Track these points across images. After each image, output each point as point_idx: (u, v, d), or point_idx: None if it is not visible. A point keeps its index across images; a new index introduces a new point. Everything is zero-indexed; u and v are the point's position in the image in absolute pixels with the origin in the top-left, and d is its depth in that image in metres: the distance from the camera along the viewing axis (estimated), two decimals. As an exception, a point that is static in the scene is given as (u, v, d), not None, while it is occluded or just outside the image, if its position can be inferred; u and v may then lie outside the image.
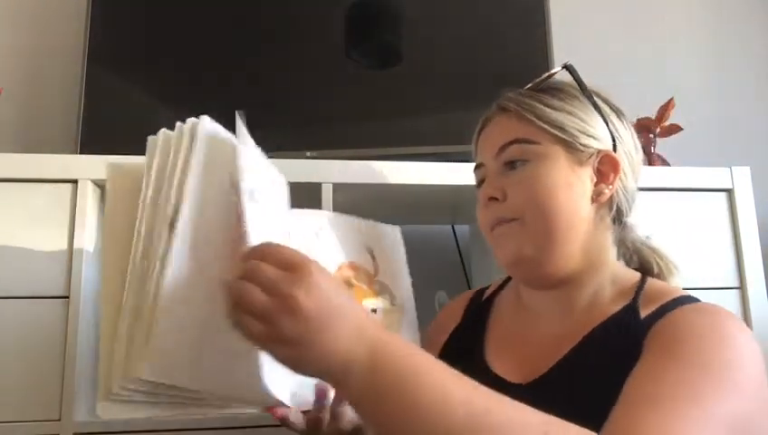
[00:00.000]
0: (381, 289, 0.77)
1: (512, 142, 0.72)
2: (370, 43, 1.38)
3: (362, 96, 1.32)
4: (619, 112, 0.76)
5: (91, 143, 1.24)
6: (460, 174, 1.07)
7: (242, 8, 1.35)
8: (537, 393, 0.64)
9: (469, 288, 1.43)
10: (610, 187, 0.72)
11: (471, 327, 0.80)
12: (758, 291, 1.11)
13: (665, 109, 1.33)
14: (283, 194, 0.72)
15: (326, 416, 0.68)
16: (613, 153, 0.72)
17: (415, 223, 1.41)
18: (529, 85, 0.77)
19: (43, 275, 0.95)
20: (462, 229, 1.48)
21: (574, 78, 0.75)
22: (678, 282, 0.75)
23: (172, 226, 0.57)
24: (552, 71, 0.77)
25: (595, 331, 0.67)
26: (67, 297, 0.94)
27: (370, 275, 0.78)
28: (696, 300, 0.66)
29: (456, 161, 1.10)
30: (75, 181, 0.98)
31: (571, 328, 0.70)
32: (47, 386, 0.92)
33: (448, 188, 1.09)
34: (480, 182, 0.77)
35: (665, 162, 1.32)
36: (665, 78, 1.63)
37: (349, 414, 0.68)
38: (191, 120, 0.62)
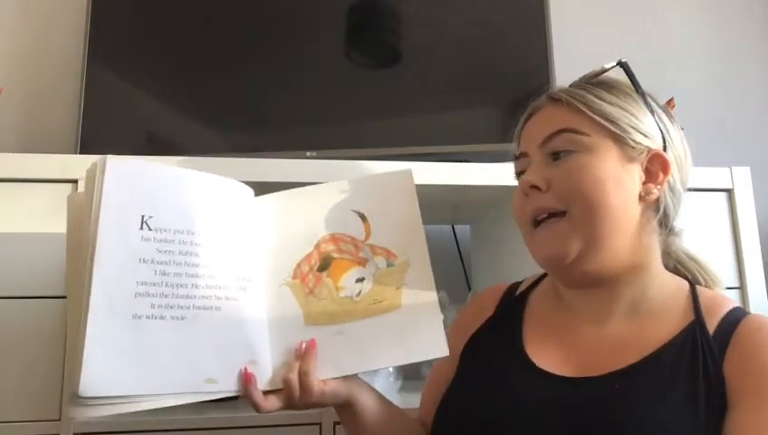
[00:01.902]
0: (372, 253, 0.76)
1: (559, 132, 0.70)
2: (370, 43, 1.39)
3: (362, 96, 1.33)
4: (669, 115, 0.75)
5: (91, 143, 1.24)
6: (460, 174, 1.07)
7: (242, 8, 1.35)
8: (597, 389, 0.66)
9: (469, 288, 1.44)
10: (659, 187, 0.70)
11: (505, 321, 0.79)
12: (758, 291, 1.11)
13: (665, 109, 1.33)
14: (224, 196, 0.75)
15: (296, 390, 0.68)
16: (664, 153, 0.70)
17: (415, 223, 1.41)
18: (579, 78, 0.75)
19: (43, 275, 0.95)
20: (462, 229, 1.48)
21: (628, 75, 0.74)
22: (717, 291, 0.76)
23: (92, 263, 0.64)
24: (606, 66, 0.75)
25: (669, 344, 0.66)
26: (67, 297, 0.94)
27: (357, 242, 0.77)
28: (745, 311, 0.68)
29: (456, 161, 1.10)
30: (75, 181, 0.98)
31: (633, 332, 0.69)
32: (47, 386, 0.92)
33: (448, 188, 1.09)
34: (520, 173, 0.74)
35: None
36: (665, 78, 1.64)
37: (318, 386, 0.69)
38: (101, 159, 0.68)
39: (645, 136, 0.70)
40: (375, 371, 1.10)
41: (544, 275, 0.83)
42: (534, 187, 0.70)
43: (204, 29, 1.35)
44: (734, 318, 0.67)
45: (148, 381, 0.63)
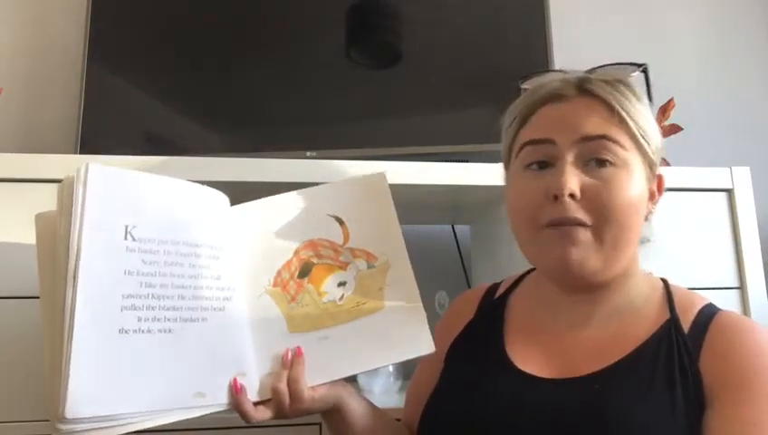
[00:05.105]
0: (352, 256, 0.76)
1: (601, 137, 0.65)
2: (370, 43, 1.39)
3: (362, 96, 1.32)
4: None
5: (91, 143, 1.24)
6: (460, 174, 1.07)
7: (242, 8, 1.35)
8: (577, 390, 0.66)
9: (469, 288, 1.43)
10: (654, 207, 0.71)
11: (487, 324, 0.79)
12: (758, 291, 1.11)
13: (665, 109, 1.33)
14: (203, 204, 0.73)
15: (285, 399, 0.68)
16: (660, 171, 0.71)
17: (415, 223, 1.41)
18: (600, 74, 0.70)
19: (43, 275, 0.95)
20: (462, 229, 1.48)
21: (647, 86, 0.71)
22: None
23: (75, 276, 0.60)
24: (630, 69, 0.71)
25: (646, 344, 0.67)
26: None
27: (336, 246, 0.77)
28: (716, 307, 0.69)
29: (456, 161, 1.10)
30: (75, 181, 0.98)
31: (613, 333, 0.69)
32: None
33: (448, 188, 1.08)
34: (540, 163, 0.68)
35: (665, 162, 1.32)
36: (665, 78, 1.63)
37: (308, 392, 0.68)
38: (82, 167, 0.65)
39: (660, 156, 0.70)
40: (375, 371, 1.11)
41: (523, 276, 0.83)
42: (570, 195, 0.64)
43: (204, 29, 1.35)
44: (707, 315, 0.67)
45: (136, 398, 0.61)
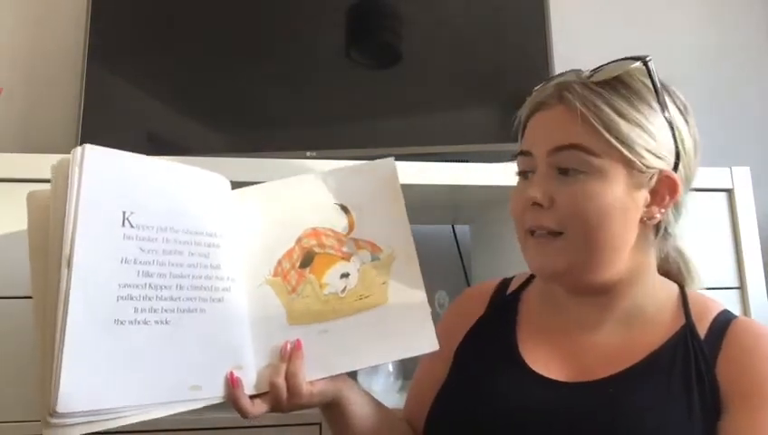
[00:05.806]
0: (356, 247, 0.74)
1: (570, 147, 0.65)
2: (370, 43, 1.38)
3: (362, 96, 1.32)
4: (685, 113, 0.70)
5: (90, 143, 1.24)
6: (460, 174, 1.07)
7: (242, 8, 1.35)
8: (591, 394, 0.66)
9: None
10: (662, 211, 0.68)
11: (498, 321, 0.78)
12: (758, 291, 1.11)
13: (665, 109, 1.33)
14: (204, 189, 0.72)
15: (283, 394, 0.67)
16: (673, 174, 0.67)
17: (415, 223, 1.40)
18: (596, 74, 0.68)
19: (44, 275, 0.95)
20: (462, 229, 1.48)
21: (651, 79, 0.67)
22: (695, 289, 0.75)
23: (69, 264, 0.58)
24: (627, 63, 0.67)
25: (662, 349, 0.67)
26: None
27: (340, 236, 0.75)
28: (732, 313, 0.69)
29: (456, 161, 1.10)
30: (75, 181, 0.98)
31: (626, 338, 0.69)
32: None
33: (448, 188, 1.09)
34: (522, 173, 0.72)
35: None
36: (665, 78, 1.63)
37: (306, 387, 0.68)
38: (78, 148, 0.63)
39: (658, 158, 0.66)
40: (375, 371, 1.11)
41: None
42: (537, 204, 0.67)
43: (204, 29, 1.35)
44: (724, 321, 0.68)
45: (131, 391, 0.59)
